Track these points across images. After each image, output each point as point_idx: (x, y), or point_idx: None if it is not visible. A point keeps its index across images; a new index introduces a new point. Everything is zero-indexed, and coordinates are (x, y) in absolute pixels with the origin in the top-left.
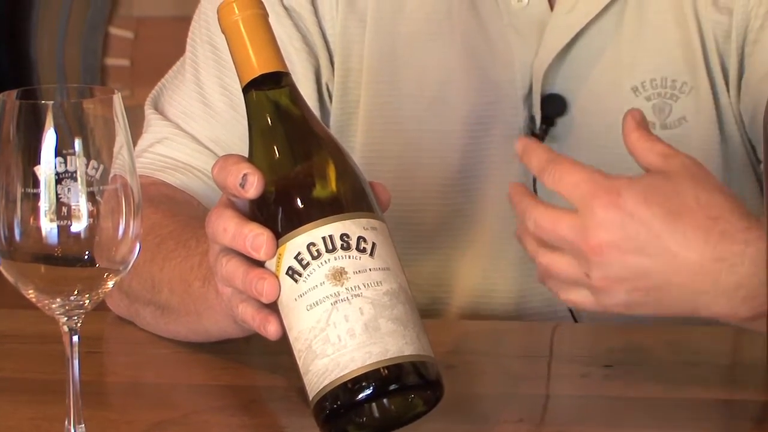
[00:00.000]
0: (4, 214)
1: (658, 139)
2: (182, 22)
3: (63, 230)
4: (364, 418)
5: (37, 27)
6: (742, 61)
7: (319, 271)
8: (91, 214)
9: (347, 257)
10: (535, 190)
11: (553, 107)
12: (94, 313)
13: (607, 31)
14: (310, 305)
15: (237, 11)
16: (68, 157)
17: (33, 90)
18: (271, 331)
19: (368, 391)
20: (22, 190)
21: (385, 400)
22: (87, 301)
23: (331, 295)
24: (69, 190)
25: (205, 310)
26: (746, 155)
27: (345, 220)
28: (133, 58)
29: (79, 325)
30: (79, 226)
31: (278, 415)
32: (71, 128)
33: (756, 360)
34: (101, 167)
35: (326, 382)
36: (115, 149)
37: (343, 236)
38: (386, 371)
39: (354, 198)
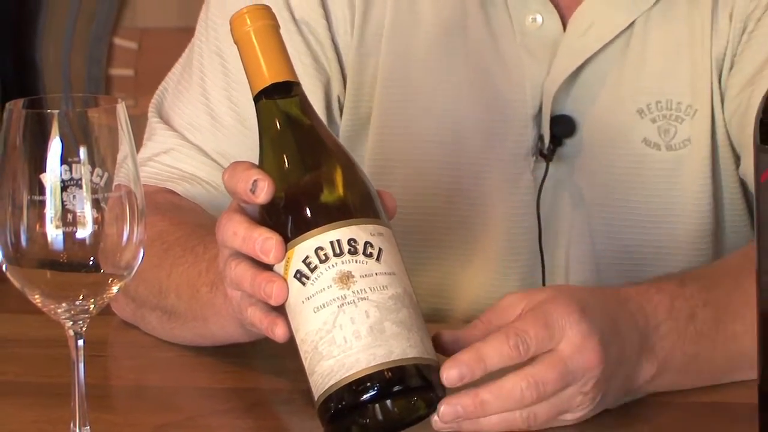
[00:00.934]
0: (10, 221)
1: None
2: (185, 33)
3: (68, 236)
4: (368, 419)
5: (43, 36)
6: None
7: (326, 275)
8: (95, 221)
9: (354, 261)
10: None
11: (562, 128)
12: (99, 318)
13: (615, 54)
14: (317, 308)
15: (249, 22)
16: (73, 165)
17: (39, 99)
18: (278, 333)
19: (372, 392)
20: (29, 197)
21: (388, 402)
22: (92, 306)
23: (337, 298)
24: (74, 197)
25: (212, 315)
26: (736, 174)
27: (352, 225)
28: (137, 69)
29: (84, 329)
30: (84, 232)
31: (282, 417)
32: (76, 137)
33: None
34: (106, 175)
35: (331, 383)
36: (119, 157)
37: (351, 241)
38: (390, 373)
39: (361, 204)
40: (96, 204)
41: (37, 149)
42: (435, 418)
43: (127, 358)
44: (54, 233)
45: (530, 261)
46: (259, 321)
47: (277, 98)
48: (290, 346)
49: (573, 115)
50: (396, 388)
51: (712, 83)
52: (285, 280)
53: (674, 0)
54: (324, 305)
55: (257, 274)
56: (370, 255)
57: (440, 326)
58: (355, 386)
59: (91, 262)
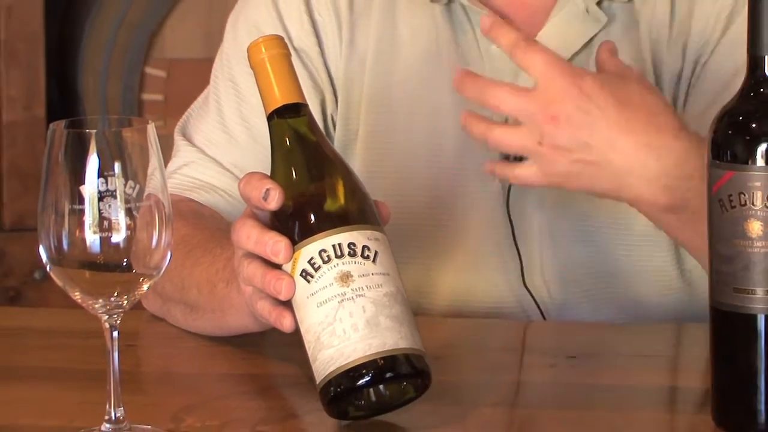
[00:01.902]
0: (53, 227)
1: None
2: (208, 63)
3: (104, 241)
4: (363, 401)
5: (83, 67)
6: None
7: (328, 274)
8: (128, 227)
9: (353, 263)
10: (507, 201)
11: None
12: (132, 312)
13: None
14: (320, 303)
15: (264, 50)
16: (109, 178)
17: (79, 120)
18: (285, 324)
19: (367, 378)
20: (70, 207)
21: (381, 386)
22: (125, 302)
23: (338, 295)
24: (110, 206)
25: (228, 308)
26: None
27: (352, 231)
28: (166, 94)
29: (118, 322)
30: (118, 237)
31: (290, 399)
32: (112, 153)
33: (696, 353)
34: (137, 187)
35: (331, 369)
36: (149, 171)
37: (350, 245)
38: (383, 361)
39: (360, 212)
40: (129, 212)
41: (77, 164)
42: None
43: (155, 347)
44: (92, 238)
45: (504, 258)
46: (269, 313)
47: (288, 118)
48: (296, 336)
49: None
50: (388, 375)
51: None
52: (292, 277)
53: (617, 33)
54: (326, 301)
55: (267, 272)
56: (367, 257)
57: (426, 319)
58: (352, 372)
59: (124, 263)
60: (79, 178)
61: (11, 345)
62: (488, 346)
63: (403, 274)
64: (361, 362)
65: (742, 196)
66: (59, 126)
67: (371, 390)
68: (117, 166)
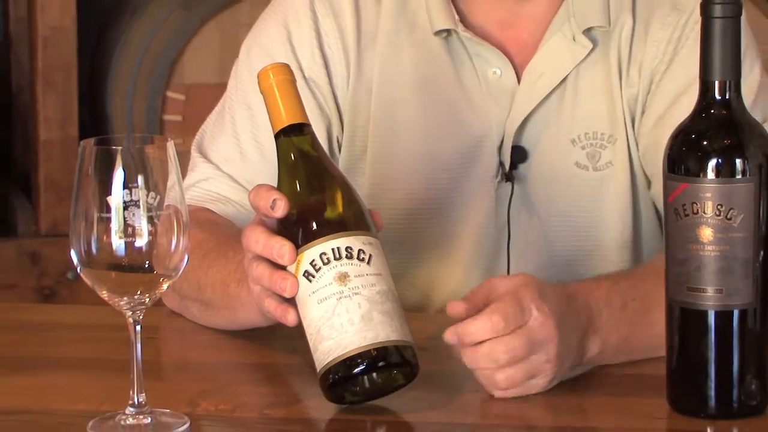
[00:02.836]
0: (83, 233)
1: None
2: (222, 87)
3: (129, 245)
4: (358, 387)
5: (111, 91)
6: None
7: (328, 274)
8: (150, 233)
9: (350, 264)
10: (508, 223)
11: (518, 156)
12: (153, 309)
13: (555, 99)
14: (320, 300)
15: (272, 77)
16: (133, 190)
17: (107, 138)
18: (290, 319)
19: (362, 367)
20: (98, 215)
21: (374, 374)
22: (147, 300)
23: (336, 293)
24: (134, 214)
25: (239, 306)
26: (647, 190)
27: (349, 236)
28: (185, 115)
29: (141, 317)
30: (141, 242)
31: (294, 386)
32: (136, 167)
33: None
34: (158, 197)
35: (330, 359)
36: (169, 184)
37: (348, 248)
38: (376, 352)
39: (356, 220)
40: (150, 220)
41: (105, 177)
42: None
43: (174, 339)
44: (117, 243)
45: (494, 261)
46: (275, 309)
47: (293, 136)
48: (299, 330)
49: (525, 145)
50: (380, 364)
51: (625, 120)
52: (296, 277)
53: (595, 58)
54: (326, 298)
55: (274, 272)
56: (363, 259)
57: (417, 315)
58: (348, 362)
59: (146, 265)
60: (106, 189)
61: (46, 338)
62: None
63: (408, 275)
64: (357, 352)
65: (695, 205)
66: (89, 143)
67: (365, 377)
68: (140, 179)
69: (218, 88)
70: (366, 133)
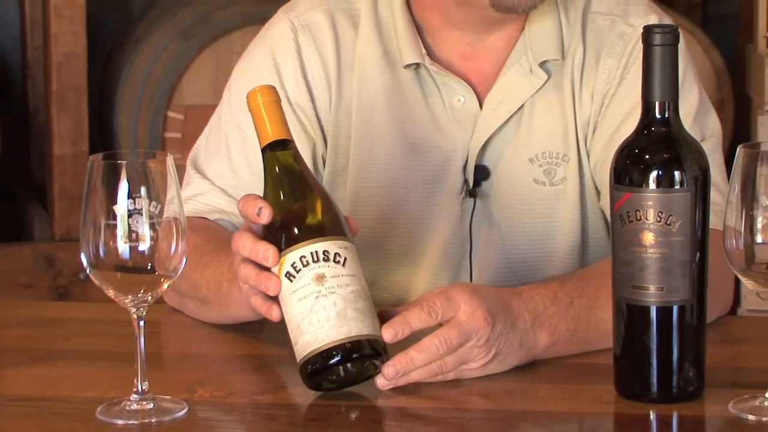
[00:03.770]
0: (92, 239)
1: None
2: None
3: (133, 249)
4: (334, 376)
5: (118, 111)
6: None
7: (307, 275)
8: (152, 238)
9: (327, 266)
10: (470, 235)
11: (481, 174)
12: (155, 306)
13: (514, 123)
14: (300, 298)
15: (260, 97)
16: (136, 199)
17: (113, 153)
18: (273, 315)
19: (337, 358)
20: (105, 222)
21: (348, 364)
22: (149, 298)
23: (314, 292)
24: (137, 222)
25: (231, 302)
26: (598, 205)
27: (326, 241)
28: (184, 133)
29: (144, 313)
30: (144, 246)
31: (281, 375)
32: (139, 179)
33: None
34: (159, 206)
35: (308, 351)
36: (169, 196)
37: (325, 252)
38: (350, 345)
39: (333, 226)
40: (152, 226)
41: (111, 188)
42: (380, 380)
43: (174, 333)
44: (123, 247)
45: (458, 269)
46: (260, 306)
47: (277, 151)
48: (284, 324)
49: (487, 164)
50: (354, 356)
51: (578, 140)
52: (279, 278)
53: (550, 86)
54: (305, 296)
55: (259, 273)
56: (338, 262)
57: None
58: (325, 354)
59: (149, 267)
60: (112, 199)
61: (59, 332)
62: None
63: (385, 278)
64: (333, 345)
65: (638, 212)
66: (97, 158)
67: (341, 367)
68: (143, 190)
69: (214, 109)
70: (347, 151)
